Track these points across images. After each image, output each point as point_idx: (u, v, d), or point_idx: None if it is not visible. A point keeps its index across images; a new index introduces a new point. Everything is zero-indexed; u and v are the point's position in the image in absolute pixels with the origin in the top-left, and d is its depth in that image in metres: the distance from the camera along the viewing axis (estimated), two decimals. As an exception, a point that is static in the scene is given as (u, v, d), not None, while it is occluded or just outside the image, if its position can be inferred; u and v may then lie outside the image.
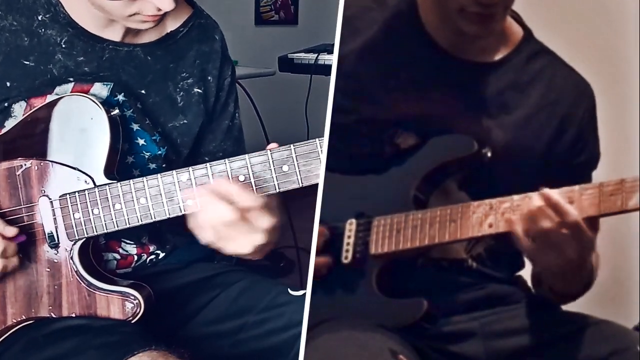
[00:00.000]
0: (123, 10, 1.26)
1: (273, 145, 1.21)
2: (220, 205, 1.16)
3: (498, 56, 0.98)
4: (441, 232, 0.92)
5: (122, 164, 1.35)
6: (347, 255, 0.97)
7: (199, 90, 1.45)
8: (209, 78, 1.46)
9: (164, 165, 1.41)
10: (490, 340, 0.95)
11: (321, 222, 0.92)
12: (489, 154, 0.94)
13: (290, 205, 1.25)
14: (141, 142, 1.39)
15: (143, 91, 1.40)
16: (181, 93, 1.43)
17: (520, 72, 0.97)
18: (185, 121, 1.44)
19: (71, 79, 1.36)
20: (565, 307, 0.94)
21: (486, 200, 0.90)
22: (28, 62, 1.35)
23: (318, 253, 0.93)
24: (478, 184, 0.94)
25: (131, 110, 1.38)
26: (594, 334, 0.91)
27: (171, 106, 1.43)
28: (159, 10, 1.25)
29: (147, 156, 1.40)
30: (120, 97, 1.37)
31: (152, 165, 1.41)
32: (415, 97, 0.96)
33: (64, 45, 1.36)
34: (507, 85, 0.97)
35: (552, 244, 0.89)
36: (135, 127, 1.39)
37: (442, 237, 0.92)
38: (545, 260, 0.91)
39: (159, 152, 1.41)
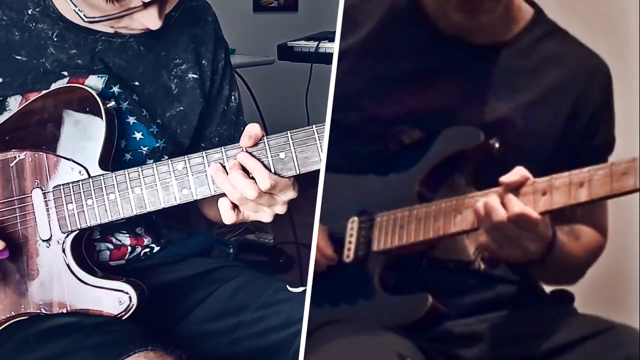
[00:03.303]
0: (111, 24, 1.28)
1: (255, 128, 1.19)
2: (247, 182, 1.16)
3: (506, 37, 0.94)
4: (446, 224, 0.89)
5: (119, 162, 1.33)
6: (348, 254, 0.94)
7: (195, 76, 1.43)
8: (204, 62, 1.45)
9: (162, 159, 1.39)
10: (500, 344, 0.92)
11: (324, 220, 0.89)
12: (497, 145, 0.90)
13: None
14: (138, 136, 1.37)
15: (137, 83, 1.39)
16: (175, 80, 1.42)
17: (531, 53, 0.93)
18: (181, 108, 1.42)
19: (65, 73, 1.34)
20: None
21: (492, 189, 0.87)
22: (20, 57, 1.34)
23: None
24: (488, 178, 0.90)
25: (127, 102, 1.36)
26: (608, 339, 0.88)
27: (166, 95, 1.41)
28: (147, 28, 1.26)
29: (145, 151, 1.38)
30: (116, 89, 1.36)
31: (150, 162, 1.38)
32: (419, 88, 0.93)
33: (55, 39, 1.35)
34: (516, 67, 0.94)
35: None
36: (132, 120, 1.37)
37: (447, 230, 0.89)
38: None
39: (157, 145, 1.39)
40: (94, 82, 1.34)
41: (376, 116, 0.94)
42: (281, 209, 1.21)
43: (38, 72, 1.33)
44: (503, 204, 0.87)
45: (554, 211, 0.86)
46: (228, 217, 1.21)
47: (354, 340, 0.92)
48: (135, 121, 1.37)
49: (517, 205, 0.86)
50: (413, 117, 0.93)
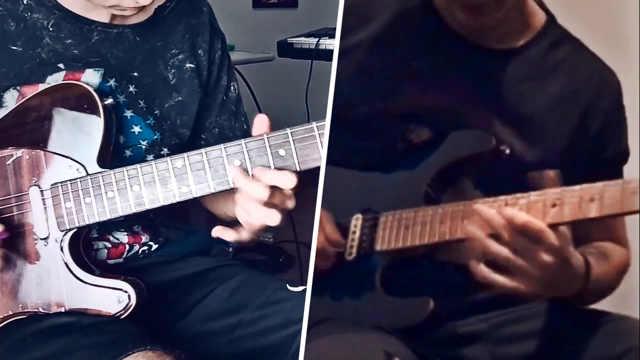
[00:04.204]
0: (103, 2, 1.28)
1: (263, 120, 1.19)
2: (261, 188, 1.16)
3: (518, 43, 0.93)
4: (452, 229, 0.88)
5: (119, 159, 1.33)
6: (351, 252, 0.93)
7: (191, 65, 1.43)
8: (200, 52, 1.45)
9: (162, 152, 1.39)
10: (499, 344, 0.91)
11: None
12: (508, 151, 0.89)
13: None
14: (136, 130, 1.37)
15: (135, 73, 1.38)
16: (172, 70, 1.42)
17: (542, 60, 0.92)
18: (180, 98, 1.42)
19: (61, 66, 1.33)
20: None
21: (501, 197, 0.86)
22: (16, 48, 1.33)
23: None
24: (495, 183, 0.89)
25: (123, 96, 1.36)
26: (610, 331, 0.87)
27: (164, 85, 1.41)
28: (137, 3, 1.25)
29: (144, 146, 1.38)
30: (112, 83, 1.35)
31: (150, 157, 1.38)
32: (428, 88, 0.92)
33: (51, 29, 1.34)
34: (527, 74, 0.93)
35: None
36: (129, 114, 1.36)
37: (453, 234, 0.88)
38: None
39: (155, 137, 1.38)
40: (90, 76, 1.33)
41: (383, 112, 0.93)
42: (292, 203, 1.21)
43: (34, 63, 1.33)
44: (506, 219, 0.85)
45: (563, 224, 0.84)
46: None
47: (343, 337, 0.91)
48: (132, 114, 1.36)
49: (519, 216, 0.85)
50: (419, 115, 0.93)
